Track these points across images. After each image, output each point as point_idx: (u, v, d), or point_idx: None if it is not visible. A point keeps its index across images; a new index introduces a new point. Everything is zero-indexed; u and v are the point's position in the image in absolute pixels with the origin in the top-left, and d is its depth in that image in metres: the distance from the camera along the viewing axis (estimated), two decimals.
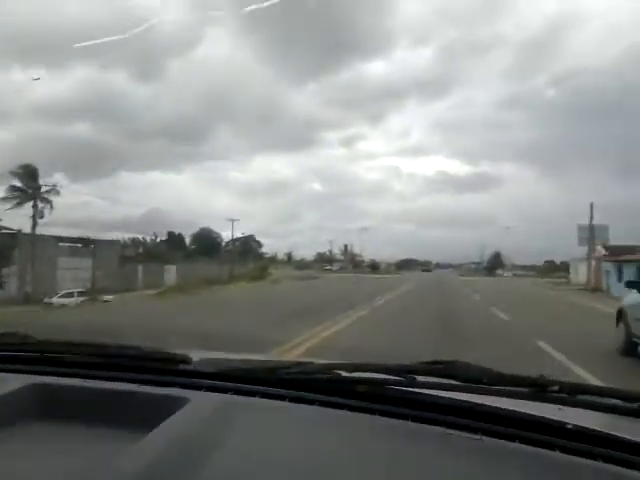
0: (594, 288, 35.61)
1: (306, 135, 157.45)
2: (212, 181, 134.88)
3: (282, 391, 1.09)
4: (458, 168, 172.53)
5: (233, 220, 58.59)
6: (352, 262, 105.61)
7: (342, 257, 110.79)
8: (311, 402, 1.05)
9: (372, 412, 1.00)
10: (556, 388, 0.95)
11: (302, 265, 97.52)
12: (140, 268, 43.21)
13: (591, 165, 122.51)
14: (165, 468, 0.78)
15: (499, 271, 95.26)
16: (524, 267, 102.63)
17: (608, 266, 36.08)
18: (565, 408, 0.95)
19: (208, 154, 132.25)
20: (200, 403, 1.02)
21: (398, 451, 0.88)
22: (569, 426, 0.91)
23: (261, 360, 1.32)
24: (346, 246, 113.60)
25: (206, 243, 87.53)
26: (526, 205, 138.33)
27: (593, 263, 37.91)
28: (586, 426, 0.92)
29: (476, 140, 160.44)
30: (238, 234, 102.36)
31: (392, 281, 44.38)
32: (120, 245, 46.86)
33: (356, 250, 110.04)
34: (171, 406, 0.98)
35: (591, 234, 37.70)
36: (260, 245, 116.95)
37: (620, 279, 33.39)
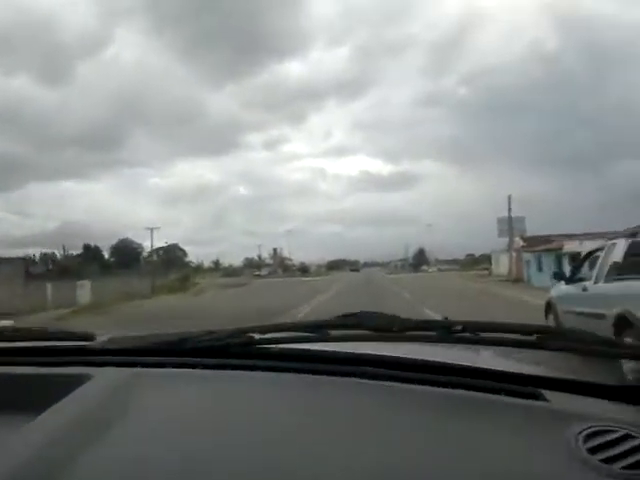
0: (515, 279, 36.55)
1: (228, 138, 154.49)
2: (132, 189, 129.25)
3: (193, 359, 1.05)
4: (381, 167, 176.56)
5: (152, 229, 55.58)
6: (282, 266, 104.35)
7: (272, 261, 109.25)
8: (223, 367, 1.03)
9: (287, 370, 0.99)
10: (460, 328, 0.97)
11: (231, 272, 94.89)
12: (49, 286, 39.55)
13: (505, 160, 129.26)
14: (61, 446, 0.74)
15: (424, 267, 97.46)
16: (447, 262, 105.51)
17: (528, 256, 37.19)
18: (471, 347, 1.01)
19: (126, 161, 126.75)
20: (103, 379, 0.96)
21: (313, 406, 0.89)
22: (475, 364, 0.96)
23: (172, 333, 1.21)
24: (275, 250, 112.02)
25: (126, 255, 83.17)
26: (447, 201, 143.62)
27: (513, 254, 38.99)
28: (491, 362, 0.98)
29: (396, 139, 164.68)
30: (161, 243, 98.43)
31: (322, 283, 43.56)
32: (25, 262, 42.71)
33: (285, 253, 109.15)
34: (72, 385, 0.92)
35: (510, 226, 38.78)
36: (185, 254, 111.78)
37: (540, 269, 34.44)
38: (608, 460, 0.69)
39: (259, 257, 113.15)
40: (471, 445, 0.74)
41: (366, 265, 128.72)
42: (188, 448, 0.74)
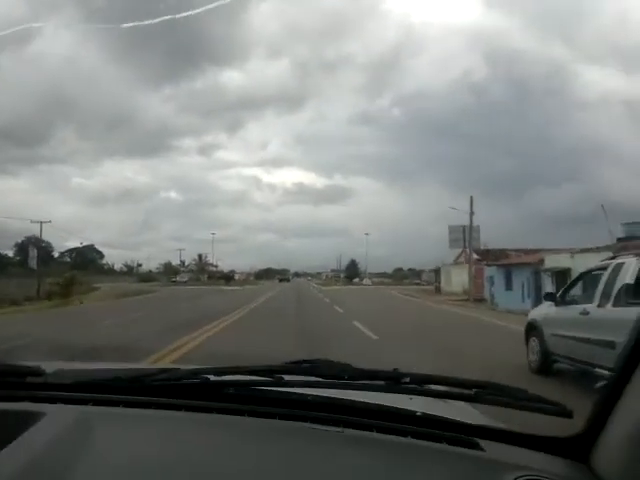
0: (477, 298, 29.41)
1: (161, 141, 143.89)
2: (53, 187, 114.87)
3: (147, 399, 1.03)
4: (314, 180, 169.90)
5: (42, 222, 44.57)
6: (206, 272, 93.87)
7: (197, 268, 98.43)
8: (178, 408, 1.01)
9: (241, 413, 0.99)
10: (408, 380, 1.02)
11: (146, 277, 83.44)
12: None
13: (432, 179, 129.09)
14: None
15: (356, 279, 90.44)
16: (378, 275, 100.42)
17: (492, 272, 30.17)
18: (416, 397, 1.03)
19: (48, 158, 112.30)
20: (56, 417, 0.92)
21: (266, 450, 0.90)
22: (418, 413, 1.00)
23: (124, 369, 1.20)
24: (200, 256, 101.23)
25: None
26: (377, 216, 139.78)
27: (473, 269, 31.74)
28: (432, 413, 1.02)
29: (331, 154, 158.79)
30: (76, 244, 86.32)
31: (242, 295, 34.86)
32: None
33: (212, 260, 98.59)
34: (22, 423, 0.87)
35: (470, 233, 31.55)
36: (102, 256, 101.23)
37: (509, 287, 27.43)
38: None
39: (182, 263, 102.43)
40: None
41: (297, 275, 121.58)
42: None
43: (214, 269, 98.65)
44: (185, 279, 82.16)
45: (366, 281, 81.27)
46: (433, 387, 1.06)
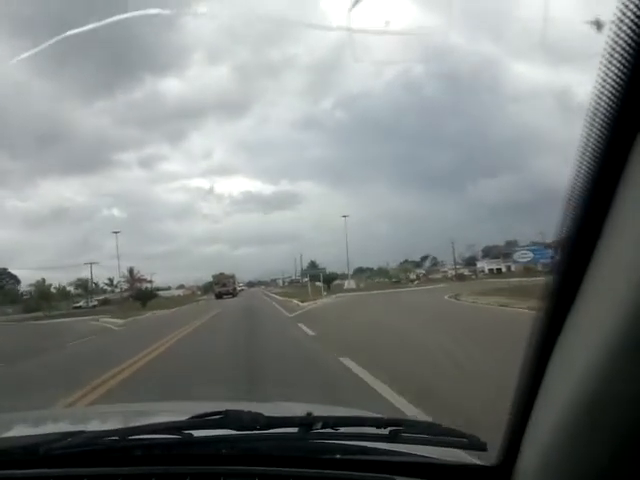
0: None
1: (100, 157, 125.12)
2: None
3: (46, 471, 0.92)
4: (261, 187, 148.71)
5: None
6: (136, 290, 67.92)
7: (127, 285, 72.34)
8: (80, 479, 0.92)
9: (149, 477, 0.92)
10: (320, 425, 0.96)
11: (33, 306, 56.68)
12: None
13: (378, 179, 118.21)
14: None
15: (318, 283, 66.00)
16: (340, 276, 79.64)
17: None
18: (331, 442, 0.97)
19: None
20: None
21: None
22: (337, 456, 0.95)
23: (20, 436, 1.07)
24: (131, 270, 75.06)
25: None
26: (329, 218, 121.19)
27: None
28: (349, 456, 0.96)
29: (276, 160, 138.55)
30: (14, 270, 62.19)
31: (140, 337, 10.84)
32: None
33: (146, 275, 72.15)
34: None
35: None
36: (17, 281, 78.80)
37: None
38: None
39: (110, 280, 76.34)
40: None
41: (251, 284, 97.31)
42: None
43: (148, 285, 72.65)
44: (94, 303, 56.27)
45: (348, 284, 57.16)
46: (347, 430, 0.99)
